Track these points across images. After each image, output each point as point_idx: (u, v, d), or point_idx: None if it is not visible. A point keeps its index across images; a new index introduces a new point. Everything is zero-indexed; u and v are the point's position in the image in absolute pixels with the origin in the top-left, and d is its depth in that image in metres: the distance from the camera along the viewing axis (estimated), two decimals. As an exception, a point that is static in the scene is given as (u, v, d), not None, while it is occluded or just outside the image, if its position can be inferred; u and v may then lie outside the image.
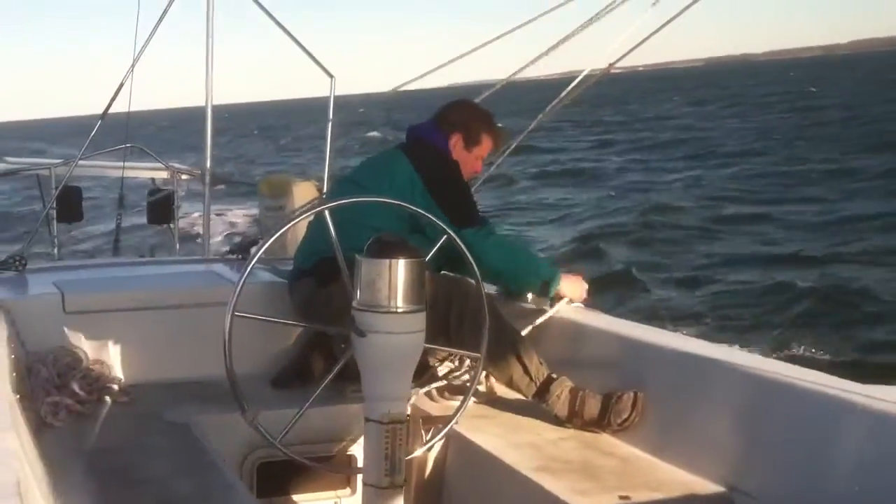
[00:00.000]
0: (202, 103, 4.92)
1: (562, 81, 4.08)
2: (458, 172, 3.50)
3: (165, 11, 4.64)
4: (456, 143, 3.54)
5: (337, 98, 4.76)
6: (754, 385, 2.51)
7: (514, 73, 3.99)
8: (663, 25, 3.34)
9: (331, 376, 2.76)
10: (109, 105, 4.78)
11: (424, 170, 3.40)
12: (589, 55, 3.82)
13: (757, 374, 2.53)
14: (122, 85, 4.87)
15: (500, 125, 3.69)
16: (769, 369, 2.56)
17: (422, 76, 4.53)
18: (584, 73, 3.85)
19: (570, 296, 3.40)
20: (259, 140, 50.80)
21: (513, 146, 4.66)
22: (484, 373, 3.30)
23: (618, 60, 3.62)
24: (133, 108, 5.45)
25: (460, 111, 3.66)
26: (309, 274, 3.30)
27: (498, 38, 4.23)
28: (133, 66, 4.90)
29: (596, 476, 2.64)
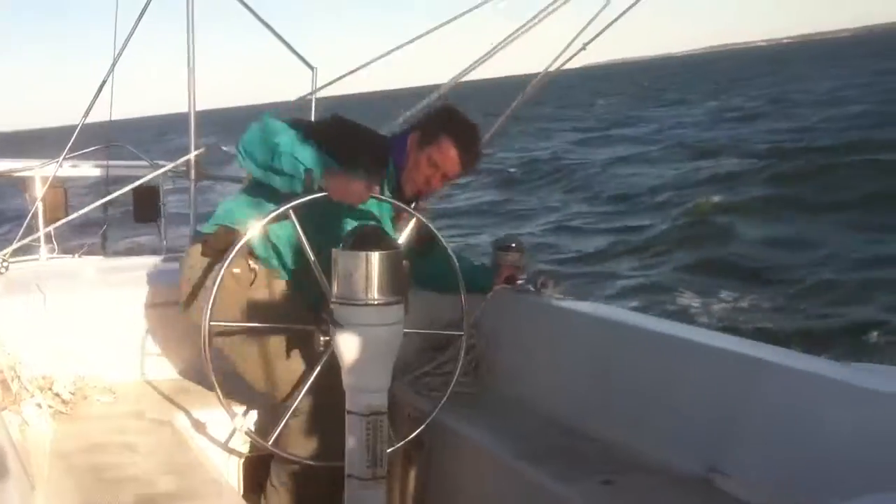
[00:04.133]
0: (184, 109, 4.90)
1: (508, 82, 3.95)
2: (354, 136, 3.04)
3: (143, 10, 4.63)
4: (412, 140, 3.06)
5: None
6: (732, 365, 2.51)
7: (464, 72, 3.69)
8: (620, 16, 3.24)
9: (314, 375, 2.75)
10: (91, 105, 4.75)
11: None
12: (537, 53, 3.68)
13: (735, 353, 2.54)
14: (102, 84, 4.85)
15: (473, 144, 3.10)
16: (746, 349, 2.56)
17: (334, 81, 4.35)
18: (546, 70, 3.68)
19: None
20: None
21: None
22: (472, 364, 3.31)
23: (568, 60, 3.48)
24: (115, 117, 5.42)
25: (431, 112, 3.24)
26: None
27: (426, 33, 3.90)
28: (113, 65, 4.88)
29: (579, 461, 2.64)
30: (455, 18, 3.61)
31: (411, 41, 3.84)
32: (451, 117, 3.09)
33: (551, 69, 3.66)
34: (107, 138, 5.89)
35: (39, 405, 2.96)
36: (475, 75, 3.63)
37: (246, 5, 4.47)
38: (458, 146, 3.00)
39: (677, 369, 2.62)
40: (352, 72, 4.00)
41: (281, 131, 2.77)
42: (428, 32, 3.71)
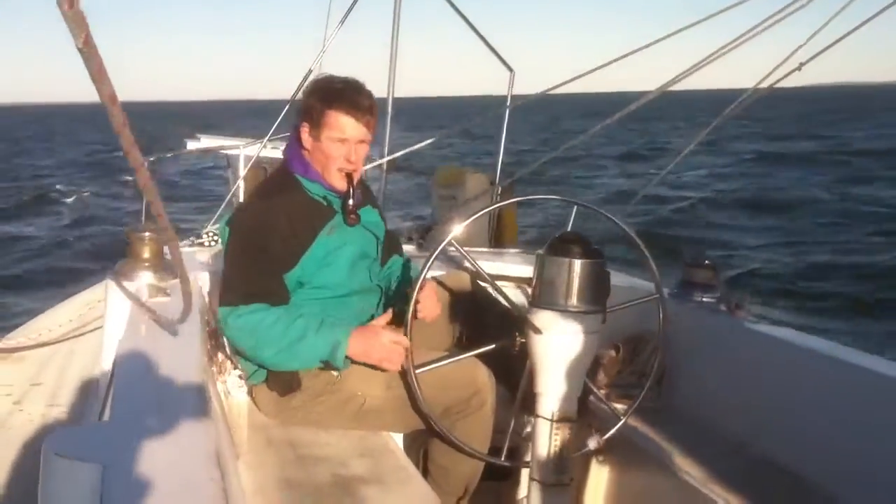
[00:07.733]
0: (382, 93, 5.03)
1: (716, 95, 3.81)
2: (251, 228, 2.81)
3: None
4: (305, 135, 2.84)
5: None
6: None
7: (671, 82, 3.59)
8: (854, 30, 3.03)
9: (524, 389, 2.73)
10: (298, 89, 4.96)
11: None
12: (750, 67, 3.54)
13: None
14: (310, 71, 5.07)
15: (358, 99, 2.78)
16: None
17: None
18: (755, 85, 3.50)
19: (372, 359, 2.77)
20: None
21: (683, 154, 4.42)
22: (657, 378, 3.25)
23: (781, 79, 3.29)
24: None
25: (304, 96, 2.88)
26: None
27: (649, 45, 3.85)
28: (322, 53, 5.09)
29: (771, 497, 2.54)
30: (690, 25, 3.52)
31: (634, 51, 3.78)
32: (323, 87, 2.81)
33: (762, 86, 3.50)
34: None
35: (241, 376, 3.12)
36: (682, 86, 3.53)
37: (452, 4, 4.53)
38: (347, 109, 2.76)
39: (878, 409, 2.47)
40: (568, 81, 4.01)
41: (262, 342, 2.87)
42: (658, 41, 3.64)
